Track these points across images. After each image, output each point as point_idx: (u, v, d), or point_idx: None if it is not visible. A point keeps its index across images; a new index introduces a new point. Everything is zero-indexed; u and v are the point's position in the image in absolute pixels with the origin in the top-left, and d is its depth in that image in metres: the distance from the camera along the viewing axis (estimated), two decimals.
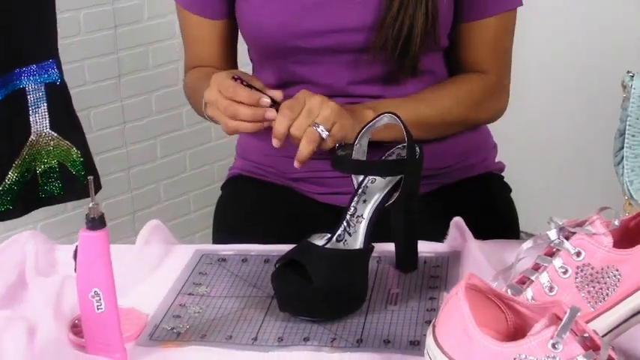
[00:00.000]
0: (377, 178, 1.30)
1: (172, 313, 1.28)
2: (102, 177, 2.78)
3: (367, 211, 1.29)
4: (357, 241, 1.28)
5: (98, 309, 1.15)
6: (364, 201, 1.30)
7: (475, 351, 0.97)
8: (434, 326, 1.02)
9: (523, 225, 1.76)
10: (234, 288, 1.34)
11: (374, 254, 1.31)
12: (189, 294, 1.33)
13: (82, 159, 1.79)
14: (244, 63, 1.71)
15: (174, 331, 1.24)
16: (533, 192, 2.85)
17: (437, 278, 1.33)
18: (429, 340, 1.00)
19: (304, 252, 1.25)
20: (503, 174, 1.77)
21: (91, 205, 1.12)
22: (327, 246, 1.28)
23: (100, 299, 1.14)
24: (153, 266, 1.41)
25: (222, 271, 1.39)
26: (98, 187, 1.82)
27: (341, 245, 1.29)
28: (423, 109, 1.54)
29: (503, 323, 1.03)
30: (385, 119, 1.29)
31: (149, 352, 1.20)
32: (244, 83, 1.38)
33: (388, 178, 1.29)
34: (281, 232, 1.59)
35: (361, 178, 1.31)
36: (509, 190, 1.76)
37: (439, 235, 1.45)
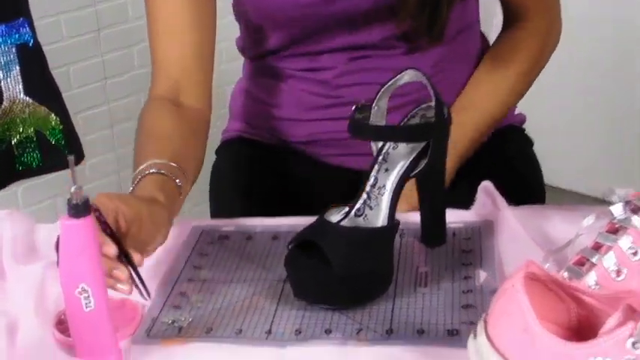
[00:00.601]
0: (400, 143, 1.14)
1: (172, 304, 1.12)
2: (84, 136, 2.61)
3: (390, 181, 1.13)
4: (380, 216, 1.12)
5: (87, 307, 0.99)
6: (386, 170, 1.14)
7: (538, 352, 0.81)
8: (485, 322, 0.87)
9: (546, 177, 1.60)
10: (240, 271, 1.18)
11: None
12: (190, 280, 1.17)
13: (61, 126, 1.62)
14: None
15: (176, 325, 1.08)
16: (554, 141, 2.70)
17: (469, 253, 1.18)
18: (482, 340, 0.85)
19: (320, 231, 1.09)
20: (524, 126, 1.61)
21: (73, 188, 0.96)
22: (345, 222, 1.13)
23: (88, 296, 0.98)
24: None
25: (225, 251, 1.23)
26: (80, 156, 1.65)
27: (361, 221, 1.13)
28: (480, 116, 1.40)
29: (565, 315, 0.88)
30: (407, 77, 1.13)
31: (148, 351, 1.05)
32: (101, 219, 1.04)
33: (413, 144, 1.13)
34: (289, 201, 1.44)
35: (381, 143, 1.14)
36: (531, 143, 1.60)
37: (462, 200, 1.29)
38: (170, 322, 1.09)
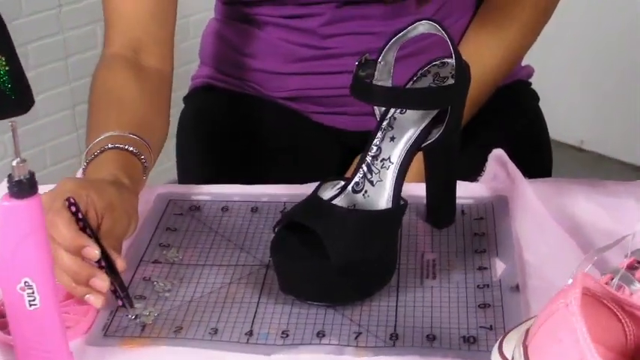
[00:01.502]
0: None
1: (134, 292, 0.95)
2: (37, 68, 2.42)
3: (396, 152, 0.95)
4: (384, 195, 0.95)
5: (30, 305, 0.81)
6: (392, 139, 0.96)
7: None
8: (524, 347, 0.70)
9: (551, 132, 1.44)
10: (214, 251, 1.01)
11: None
12: (155, 261, 1.00)
13: (7, 67, 1.40)
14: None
15: (138, 321, 0.91)
16: (559, 95, 2.54)
17: (482, 237, 1.01)
18: None
19: (314, 212, 0.91)
20: (530, 80, 1.44)
21: (15, 162, 0.77)
22: (341, 198, 0.95)
23: (32, 292, 0.80)
24: None
25: (197, 226, 1.06)
26: (30, 101, 1.44)
27: (360, 198, 0.96)
28: (480, 75, 1.20)
29: (621, 338, 0.72)
30: (421, 27, 0.95)
31: (104, 354, 0.87)
32: (79, 215, 0.90)
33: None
34: (267, 164, 1.26)
35: None
36: (537, 99, 1.43)
37: (467, 169, 1.13)
38: (132, 317, 0.91)
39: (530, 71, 1.43)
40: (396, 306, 0.91)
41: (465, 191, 1.08)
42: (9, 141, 2.39)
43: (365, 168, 0.96)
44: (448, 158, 0.99)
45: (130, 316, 0.91)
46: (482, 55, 1.26)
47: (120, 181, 0.99)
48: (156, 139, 1.10)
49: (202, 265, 0.98)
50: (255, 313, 0.91)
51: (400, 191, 0.94)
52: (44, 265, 0.80)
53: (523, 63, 1.41)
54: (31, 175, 0.78)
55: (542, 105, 1.42)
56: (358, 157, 1.03)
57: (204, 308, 0.92)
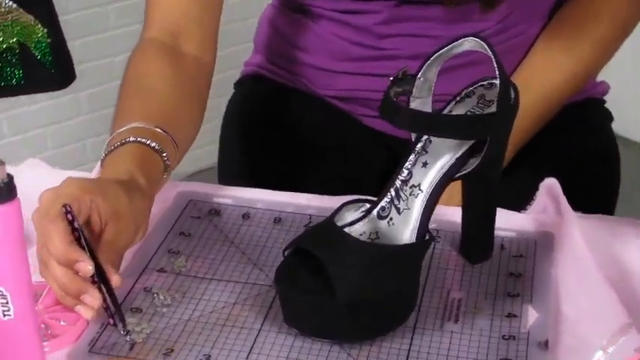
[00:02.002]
0: None
1: (131, 304, 0.88)
2: (83, 64, 2.38)
3: (428, 180, 0.86)
4: (409, 225, 0.86)
5: (4, 315, 0.75)
6: (424, 164, 0.87)
7: None
8: None
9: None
10: (225, 264, 0.94)
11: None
12: (161, 270, 0.93)
13: (48, 39, 1.35)
14: None
15: (129, 338, 0.84)
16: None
17: (518, 279, 0.91)
18: None
19: (326, 242, 0.83)
20: (605, 97, 1.32)
21: None
22: (363, 223, 0.87)
23: (7, 302, 0.74)
24: None
25: (213, 233, 0.98)
26: (71, 76, 1.39)
27: (384, 225, 0.87)
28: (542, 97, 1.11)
29: None
30: (466, 45, 0.85)
31: None
32: (75, 225, 0.82)
33: None
34: (320, 157, 1.19)
35: None
36: (611, 118, 1.32)
37: (517, 194, 1.03)
38: (124, 333, 0.84)
39: (604, 88, 1.31)
40: (409, 350, 0.82)
41: (508, 222, 0.99)
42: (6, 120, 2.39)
43: (393, 192, 0.87)
44: (487, 189, 0.89)
45: (121, 331, 0.84)
46: (549, 69, 1.16)
47: (135, 181, 0.91)
48: (184, 135, 1.03)
49: (209, 280, 0.91)
50: (255, 341, 0.83)
51: (427, 224, 0.85)
52: (19, 274, 0.74)
53: (598, 79, 1.30)
54: (10, 179, 0.71)
55: (611, 104, 1.30)
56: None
57: (200, 330, 0.85)
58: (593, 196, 1.16)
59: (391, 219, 0.87)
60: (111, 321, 0.84)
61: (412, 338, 0.84)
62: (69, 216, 0.82)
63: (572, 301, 0.88)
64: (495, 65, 0.83)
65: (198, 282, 0.91)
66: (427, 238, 0.85)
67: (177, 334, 0.84)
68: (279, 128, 1.25)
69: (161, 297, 0.89)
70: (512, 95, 0.86)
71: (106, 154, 0.96)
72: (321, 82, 1.22)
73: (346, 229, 0.86)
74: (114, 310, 0.84)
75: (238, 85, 1.35)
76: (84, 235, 0.83)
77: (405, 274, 0.82)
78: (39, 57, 1.35)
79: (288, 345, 0.83)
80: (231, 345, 0.83)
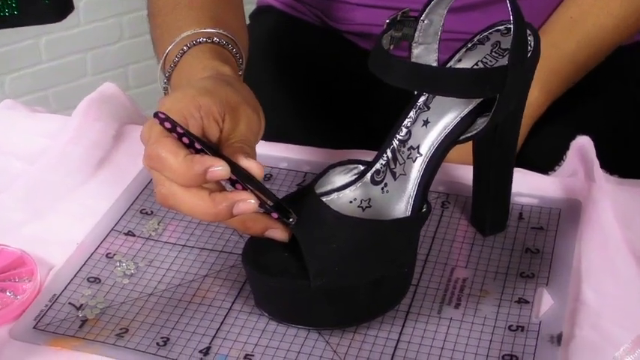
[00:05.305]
0: None
1: (89, 273, 0.78)
2: None
3: (427, 142, 0.74)
4: (404, 193, 0.74)
5: None
6: (425, 122, 0.74)
7: None
8: None
9: None
10: (201, 229, 0.83)
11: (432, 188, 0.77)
12: (129, 233, 0.82)
13: None
14: None
15: (81, 314, 0.74)
16: None
17: (536, 256, 0.79)
18: None
19: (303, 212, 0.71)
20: None
21: None
22: (355, 187, 0.75)
23: None
24: (87, 167, 0.90)
25: None
26: (68, 7, 1.27)
27: (377, 192, 0.75)
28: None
29: None
30: None
31: (26, 352, 0.71)
32: (178, 130, 0.66)
33: None
34: (327, 107, 1.07)
35: None
36: None
37: (548, 151, 0.90)
38: (78, 305, 0.74)
39: None
40: (398, 340, 0.71)
41: (532, 185, 0.86)
42: (44, 46, 2.29)
43: (389, 154, 0.75)
44: (500, 155, 0.76)
45: (292, 222, 0.69)
46: (598, 12, 1.01)
47: (221, 71, 0.77)
48: (242, 38, 0.89)
49: (181, 246, 0.81)
50: (222, 323, 0.73)
51: (425, 193, 0.73)
52: None
53: None
54: None
55: None
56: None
57: (162, 307, 0.74)
58: (635, 159, 1.02)
59: (385, 185, 0.75)
60: (274, 215, 0.69)
61: (403, 326, 0.72)
62: (167, 124, 0.65)
63: (595, 286, 0.75)
64: (509, 5, 0.69)
65: (168, 249, 0.80)
66: (424, 210, 0.72)
67: (135, 311, 0.74)
68: (290, 61, 1.14)
69: (124, 265, 0.78)
70: (533, 42, 0.72)
71: (168, 76, 0.83)
72: (336, 14, 1.10)
73: (334, 195, 0.75)
74: (270, 203, 0.69)
75: (254, 17, 1.24)
76: (193, 135, 0.67)
77: (397, 249, 0.70)
78: None
79: (258, 330, 0.72)
80: (194, 328, 0.72)
